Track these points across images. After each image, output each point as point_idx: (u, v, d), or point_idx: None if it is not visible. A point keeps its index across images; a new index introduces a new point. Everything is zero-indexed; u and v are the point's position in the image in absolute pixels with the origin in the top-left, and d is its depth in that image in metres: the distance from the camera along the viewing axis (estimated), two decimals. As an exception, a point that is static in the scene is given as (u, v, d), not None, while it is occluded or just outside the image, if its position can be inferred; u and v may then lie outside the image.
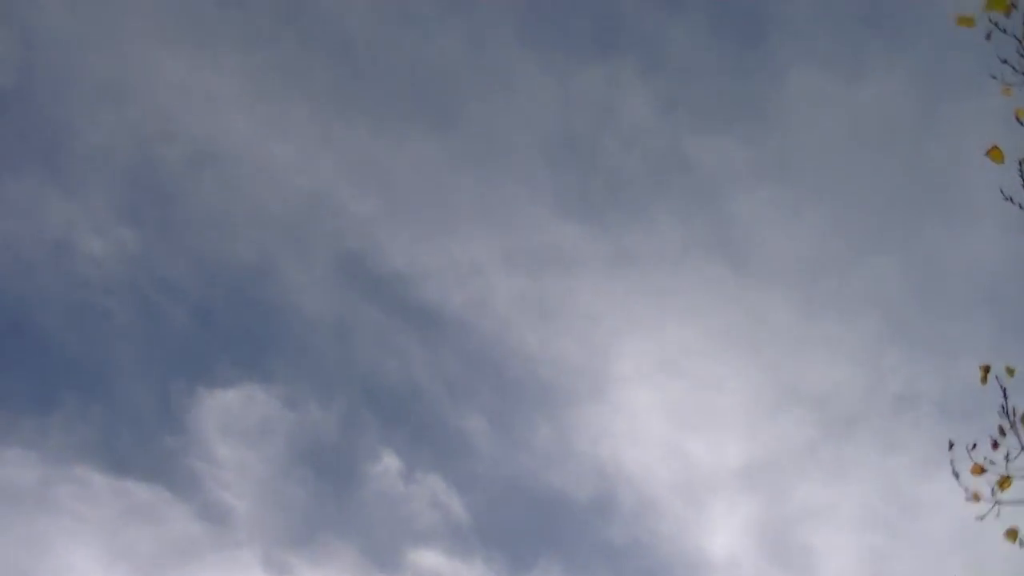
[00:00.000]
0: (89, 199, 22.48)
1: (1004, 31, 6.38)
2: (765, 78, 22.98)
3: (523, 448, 23.87)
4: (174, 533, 21.52)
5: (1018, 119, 6.42)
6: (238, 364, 23.53)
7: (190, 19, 22.52)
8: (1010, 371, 6.57)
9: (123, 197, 22.84)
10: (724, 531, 23.03)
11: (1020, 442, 6.58)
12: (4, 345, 22.49)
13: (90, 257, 22.25)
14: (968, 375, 6.57)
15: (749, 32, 23.02)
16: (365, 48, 23.14)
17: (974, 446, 6.66)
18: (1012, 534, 6.57)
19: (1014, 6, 6.33)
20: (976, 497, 6.64)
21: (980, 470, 6.63)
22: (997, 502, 6.60)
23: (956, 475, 6.69)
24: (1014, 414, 6.62)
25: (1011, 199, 6.61)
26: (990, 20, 6.39)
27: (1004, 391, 6.60)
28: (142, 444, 22.89)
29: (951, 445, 6.68)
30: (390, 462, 22.85)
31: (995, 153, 6.50)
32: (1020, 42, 6.42)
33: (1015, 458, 6.59)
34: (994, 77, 6.50)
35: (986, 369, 6.57)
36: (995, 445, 6.64)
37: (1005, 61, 6.46)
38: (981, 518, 6.62)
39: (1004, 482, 6.58)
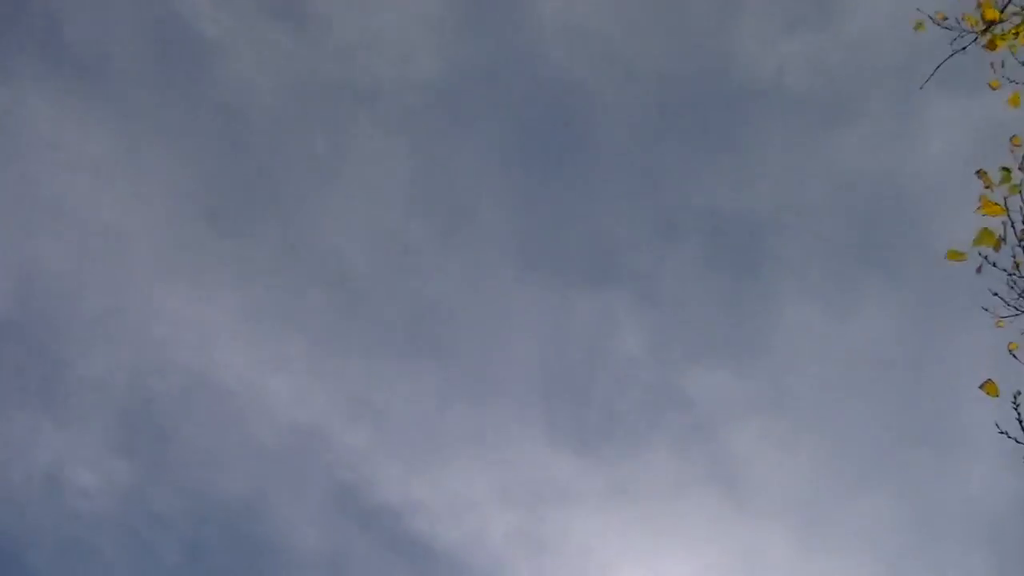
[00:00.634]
0: (81, 431, 22.43)
1: (994, 265, 6.49)
2: (759, 312, 23.35)
3: None
4: None
5: (1011, 353, 6.43)
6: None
7: (189, 251, 23.10)
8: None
9: (116, 430, 22.79)
10: None
11: None
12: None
13: (81, 490, 21.98)
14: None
15: (742, 266, 23.57)
16: (362, 280, 23.65)
17: None
18: None
19: (1003, 240, 6.45)
20: None
21: None
22: None
23: None
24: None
25: (1006, 433, 6.53)
26: (980, 254, 6.51)
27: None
28: None
29: None
30: None
31: (990, 387, 6.46)
32: (1010, 276, 6.51)
33: None
34: (986, 310, 6.56)
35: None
36: None
37: (996, 294, 6.53)
38: None
39: None
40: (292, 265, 23.02)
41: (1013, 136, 6.63)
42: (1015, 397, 6.43)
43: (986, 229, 6.48)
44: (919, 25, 7.84)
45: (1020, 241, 6.45)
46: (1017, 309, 6.54)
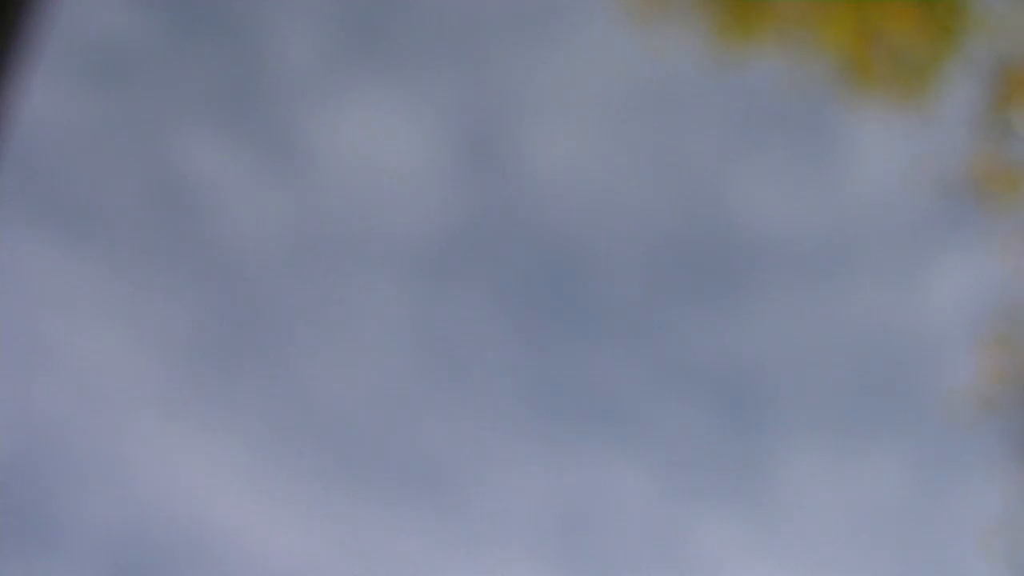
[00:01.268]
0: None
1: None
2: (764, 459, 23.17)
3: None
4: None
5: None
6: None
7: (186, 398, 23.01)
8: None
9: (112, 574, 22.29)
10: None
11: None
12: None
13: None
14: None
15: (747, 414, 23.50)
16: (361, 429, 23.60)
17: None
18: None
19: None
20: None
21: None
22: None
23: None
24: None
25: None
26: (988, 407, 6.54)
27: None
28: None
29: None
30: None
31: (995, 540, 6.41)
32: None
33: None
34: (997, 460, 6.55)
35: None
36: None
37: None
38: None
39: None
40: (290, 414, 22.95)
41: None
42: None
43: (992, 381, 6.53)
44: (922, 181, 8.05)
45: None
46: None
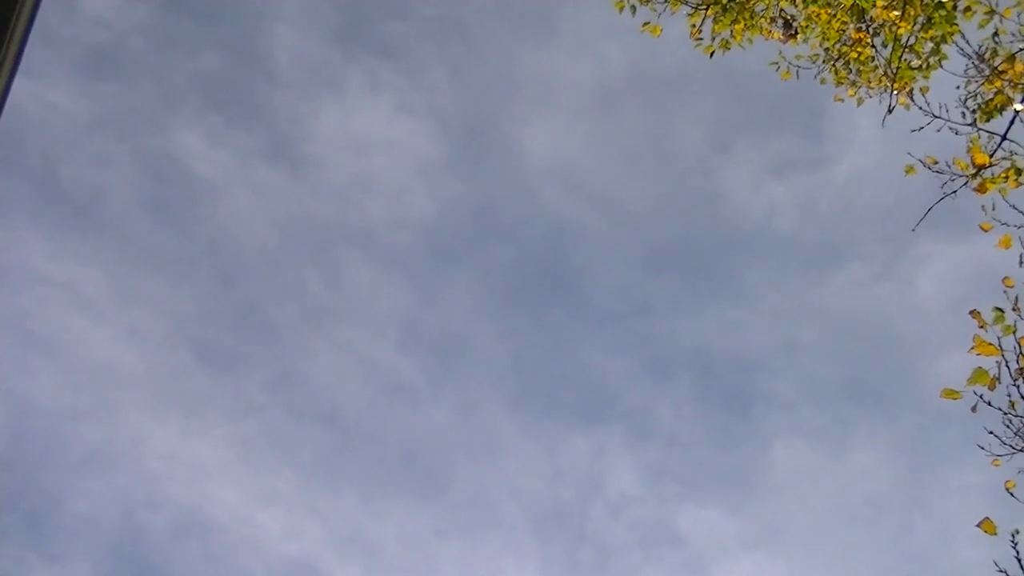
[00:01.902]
0: (71, 567, 22.11)
1: (989, 404, 6.56)
2: (751, 449, 23.29)
3: None
4: None
5: (1009, 491, 6.45)
6: None
7: (181, 386, 23.15)
8: None
9: (106, 566, 22.46)
10: None
11: None
12: None
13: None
14: None
15: (735, 404, 23.60)
16: (353, 417, 23.66)
17: None
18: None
19: (998, 380, 6.54)
20: None
21: None
22: None
23: None
24: None
25: (1005, 572, 6.50)
26: (975, 393, 6.58)
27: None
28: None
29: None
30: None
31: (988, 525, 6.46)
32: (1005, 414, 6.58)
33: None
34: (982, 448, 6.60)
35: None
36: None
37: (992, 432, 6.58)
38: None
39: None
40: (284, 400, 22.99)
41: (1006, 277, 6.78)
42: (1013, 535, 6.42)
43: (980, 368, 6.57)
44: (910, 169, 8.09)
45: (1015, 381, 6.54)
46: (1013, 448, 6.59)
